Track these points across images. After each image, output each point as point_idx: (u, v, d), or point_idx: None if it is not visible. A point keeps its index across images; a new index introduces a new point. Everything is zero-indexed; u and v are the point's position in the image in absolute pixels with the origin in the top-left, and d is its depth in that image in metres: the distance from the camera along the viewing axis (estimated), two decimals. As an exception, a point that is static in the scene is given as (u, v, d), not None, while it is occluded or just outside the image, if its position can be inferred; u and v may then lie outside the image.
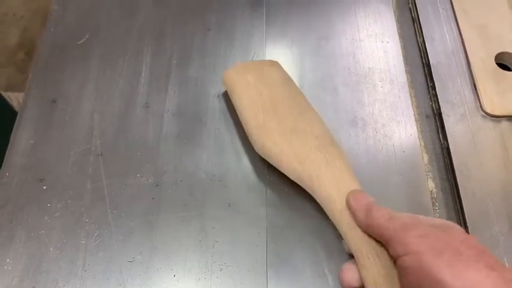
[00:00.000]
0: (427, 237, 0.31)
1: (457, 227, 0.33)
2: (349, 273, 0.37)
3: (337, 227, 0.39)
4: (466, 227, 0.44)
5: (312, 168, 0.41)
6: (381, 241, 0.34)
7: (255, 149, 0.46)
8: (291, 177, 0.44)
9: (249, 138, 0.47)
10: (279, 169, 0.44)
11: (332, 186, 0.40)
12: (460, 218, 0.45)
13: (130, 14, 0.59)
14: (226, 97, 0.52)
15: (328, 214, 0.40)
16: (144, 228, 0.44)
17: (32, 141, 0.49)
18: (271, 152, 0.44)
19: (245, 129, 0.47)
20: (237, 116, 0.50)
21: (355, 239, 0.36)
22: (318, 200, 0.42)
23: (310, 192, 0.42)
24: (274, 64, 0.52)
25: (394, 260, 0.32)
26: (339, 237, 0.43)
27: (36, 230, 0.44)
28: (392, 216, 0.34)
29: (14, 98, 1.24)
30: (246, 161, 0.48)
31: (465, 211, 0.45)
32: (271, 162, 0.45)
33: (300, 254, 0.43)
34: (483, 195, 0.46)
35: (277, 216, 0.45)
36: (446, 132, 0.50)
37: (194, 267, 0.42)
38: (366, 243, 0.36)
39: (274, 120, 0.45)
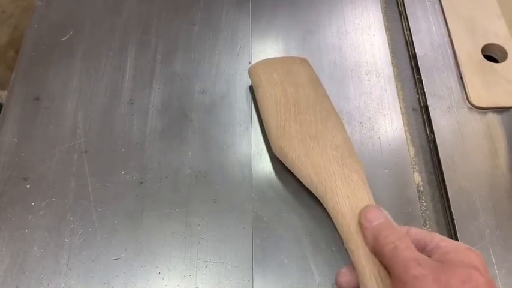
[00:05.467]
0: (424, 279, 0.30)
1: (469, 259, 0.32)
2: (345, 278, 0.37)
3: (344, 241, 0.38)
4: (452, 220, 0.44)
5: (327, 179, 0.40)
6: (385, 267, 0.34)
7: (272, 149, 0.46)
8: (304, 183, 0.43)
9: (268, 137, 0.46)
10: (293, 173, 0.44)
11: (345, 201, 0.39)
12: (447, 211, 0.45)
13: (115, 10, 0.59)
14: (211, 92, 0.52)
15: (336, 226, 0.40)
16: (128, 225, 0.44)
17: (15, 140, 0.49)
18: (287, 156, 0.43)
19: (265, 127, 0.47)
20: (223, 111, 0.49)
21: (361, 257, 0.35)
22: (327, 210, 0.41)
23: (320, 200, 0.42)
24: (303, 62, 0.51)
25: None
26: (326, 232, 0.43)
27: (20, 229, 0.44)
28: (397, 247, 0.33)
29: (5, 96, 1.23)
30: (231, 157, 0.48)
31: (451, 204, 0.44)
32: (286, 165, 0.45)
33: (285, 250, 0.43)
34: (469, 188, 0.46)
35: (263, 212, 0.44)
36: (433, 125, 0.49)
37: (179, 264, 0.42)
38: (371, 263, 0.35)
39: (295, 124, 0.44)
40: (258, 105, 0.48)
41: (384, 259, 0.34)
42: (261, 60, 0.50)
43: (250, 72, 0.50)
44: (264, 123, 0.47)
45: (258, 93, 0.48)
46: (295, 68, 0.49)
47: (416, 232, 0.36)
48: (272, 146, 0.46)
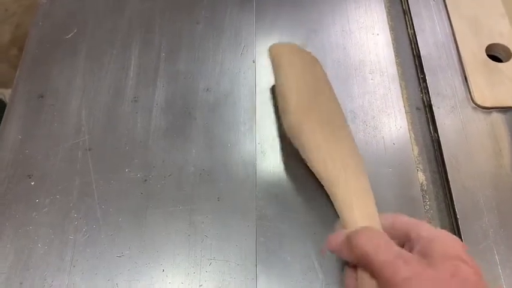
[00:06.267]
0: (417, 280, 0.29)
1: (452, 241, 0.31)
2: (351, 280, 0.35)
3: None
4: (456, 220, 0.44)
5: (341, 170, 0.39)
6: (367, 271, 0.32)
7: (287, 126, 0.44)
8: (314, 168, 0.41)
9: (285, 112, 0.44)
10: (305, 154, 0.42)
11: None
12: (450, 210, 0.45)
13: (119, 8, 0.59)
14: (215, 90, 0.52)
15: (341, 218, 0.38)
16: (132, 223, 0.44)
17: (19, 137, 0.49)
18: (303, 134, 0.42)
19: (283, 104, 0.45)
20: (227, 110, 0.49)
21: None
22: (334, 200, 0.39)
23: (327, 188, 0.40)
24: (316, 60, 0.49)
25: None
26: (329, 231, 0.43)
27: (24, 226, 0.44)
28: (379, 245, 0.32)
29: (7, 95, 1.24)
30: (235, 155, 0.48)
31: (455, 203, 0.44)
32: (295, 144, 0.43)
33: (289, 248, 0.43)
34: (473, 188, 0.46)
35: (267, 210, 0.44)
36: (437, 124, 0.49)
37: (183, 262, 0.42)
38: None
39: (315, 105, 0.43)
40: (277, 84, 0.47)
41: (368, 266, 0.32)
42: (284, 43, 0.48)
43: (272, 50, 0.48)
44: (281, 100, 0.46)
45: (279, 70, 0.47)
46: (314, 62, 0.48)
47: (402, 222, 0.35)
48: (288, 122, 0.44)
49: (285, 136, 0.47)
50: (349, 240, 0.33)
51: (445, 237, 0.32)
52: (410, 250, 0.32)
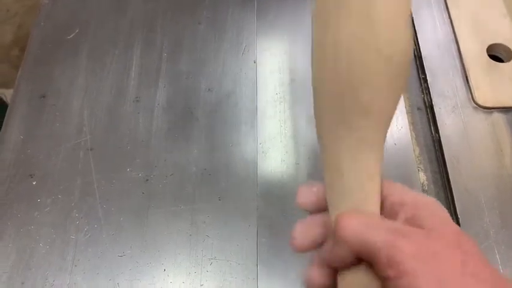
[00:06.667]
0: (421, 255, 0.25)
1: (438, 207, 0.27)
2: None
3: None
4: (457, 219, 0.44)
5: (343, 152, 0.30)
6: (363, 259, 0.27)
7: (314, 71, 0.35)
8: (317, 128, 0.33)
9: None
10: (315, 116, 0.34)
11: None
12: (452, 210, 0.45)
13: (120, 9, 0.59)
14: (217, 90, 0.52)
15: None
16: (134, 222, 0.44)
17: (21, 137, 0.49)
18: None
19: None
20: (228, 110, 0.49)
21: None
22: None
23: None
24: None
25: (382, 279, 0.27)
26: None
27: (26, 225, 0.44)
28: (367, 223, 0.27)
29: (9, 95, 1.24)
30: (236, 155, 0.48)
31: (456, 203, 0.44)
32: (316, 100, 0.33)
33: (290, 247, 0.43)
34: (474, 188, 0.46)
35: (268, 210, 0.44)
36: (438, 124, 0.49)
37: (184, 261, 0.42)
38: None
39: None
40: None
41: (357, 244, 0.27)
42: None
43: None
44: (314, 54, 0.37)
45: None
46: None
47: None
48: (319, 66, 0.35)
49: (286, 135, 0.47)
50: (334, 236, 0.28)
51: (433, 204, 0.28)
52: (391, 216, 0.29)
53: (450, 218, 0.27)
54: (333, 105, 0.29)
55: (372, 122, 0.28)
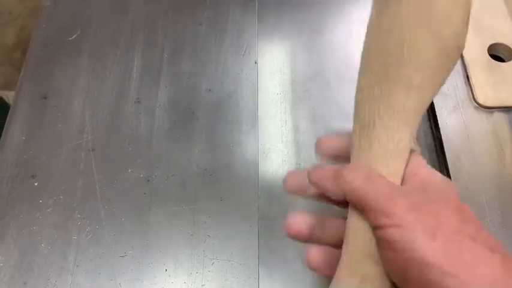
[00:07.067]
0: (417, 210, 0.26)
1: (449, 186, 0.28)
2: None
3: None
4: (458, 219, 0.44)
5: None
6: (357, 209, 0.28)
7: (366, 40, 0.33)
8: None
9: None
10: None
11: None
12: (453, 209, 0.45)
13: (122, 10, 0.59)
14: (218, 91, 0.52)
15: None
16: (135, 223, 0.44)
17: (23, 138, 0.49)
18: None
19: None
20: (229, 110, 0.49)
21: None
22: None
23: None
24: None
25: (373, 228, 0.27)
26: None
27: (28, 226, 0.44)
28: (369, 176, 0.27)
29: (11, 97, 1.24)
30: (237, 156, 0.48)
31: (457, 203, 0.44)
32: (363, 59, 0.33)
33: (291, 247, 0.43)
34: (476, 187, 0.46)
35: (269, 210, 0.45)
36: (439, 124, 0.49)
37: (186, 262, 0.42)
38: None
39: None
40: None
41: (355, 195, 0.28)
42: None
43: None
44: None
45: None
46: None
47: None
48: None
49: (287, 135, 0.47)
50: (338, 174, 0.29)
51: (444, 182, 0.29)
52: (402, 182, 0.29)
53: (457, 197, 0.27)
54: (380, 63, 0.30)
55: (412, 94, 0.29)
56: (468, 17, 0.31)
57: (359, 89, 0.32)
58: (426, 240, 0.24)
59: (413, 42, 0.28)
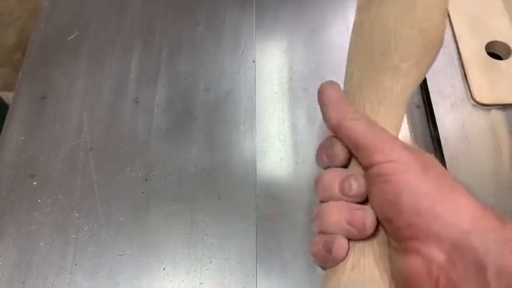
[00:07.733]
0: (412, 152, 0.28)
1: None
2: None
3: None
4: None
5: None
6: (349, 146, 0.31)
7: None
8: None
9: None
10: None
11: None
12: (450, 207, 0.45)
13: (120, 10, 0.59)
14: (216, 90, 0.52)
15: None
16: (134, 222, 0.44)
17: (22, 138, 0.50)
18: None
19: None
20: (227, 109, 0.50)
21: None
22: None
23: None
24: None
25: (365, 167, 0.29)
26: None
27: (27, 225, 0.44)
28: (370, 122, 0.30)
29: (10, 97, 1.25)
30: (235, 155, 0.48)
31: (455, 200, 0.44)
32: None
33: (289, 246, 0.43)
34: (473, 185, 0.46)
35: (267, 209, 0.45)
36: (437, 122, 0.49)
37: (184, 260, 0.42)
38: None
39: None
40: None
41: (353, 133, 0.30)
42: None
43: None
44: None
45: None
46: None
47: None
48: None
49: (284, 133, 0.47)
50: (339, 125, 0.32)
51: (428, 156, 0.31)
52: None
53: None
54: (368, 55, 0.35)
55: (400, 80, 0.33)
56: (446, 13, 0.35)
57: (349, 78, 0.36)
58: (419, 173, 0.27)
59: (399, 36, 0.32)
